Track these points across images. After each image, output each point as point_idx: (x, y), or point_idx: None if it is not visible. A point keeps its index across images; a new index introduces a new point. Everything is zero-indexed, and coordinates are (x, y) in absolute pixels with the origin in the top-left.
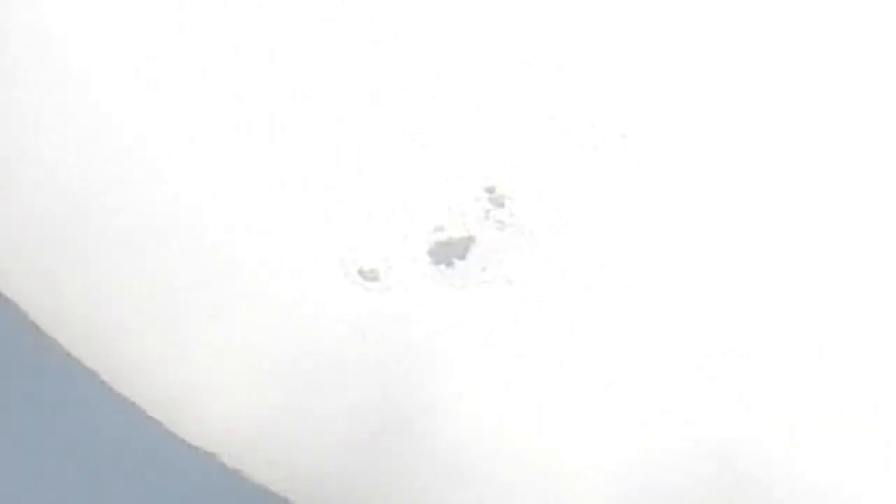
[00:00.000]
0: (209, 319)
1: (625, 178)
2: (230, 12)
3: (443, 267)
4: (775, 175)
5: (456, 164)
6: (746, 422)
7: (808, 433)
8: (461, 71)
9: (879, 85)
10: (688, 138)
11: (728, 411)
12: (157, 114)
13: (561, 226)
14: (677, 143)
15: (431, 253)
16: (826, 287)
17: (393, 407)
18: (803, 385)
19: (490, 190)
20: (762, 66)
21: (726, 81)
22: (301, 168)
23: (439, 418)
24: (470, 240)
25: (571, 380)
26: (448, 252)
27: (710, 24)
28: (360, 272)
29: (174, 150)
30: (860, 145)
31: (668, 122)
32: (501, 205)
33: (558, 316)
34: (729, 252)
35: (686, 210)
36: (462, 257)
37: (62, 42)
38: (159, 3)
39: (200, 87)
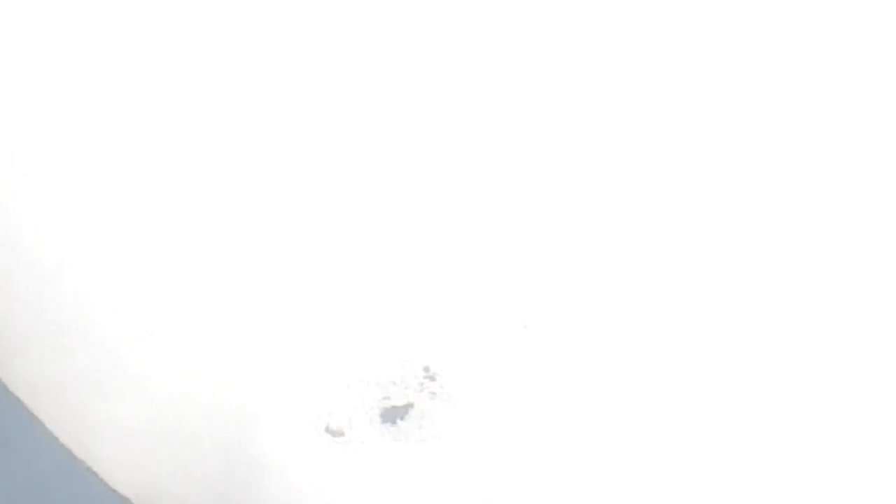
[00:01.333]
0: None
1: (526, 360)
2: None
3: (389, 425)
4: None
5: (401, 351)
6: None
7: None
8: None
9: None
10: (587, 328)
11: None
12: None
13: (479, 395)
14: (578, 333)
15: (382, 415)
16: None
17: None
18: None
19: (426, 369)
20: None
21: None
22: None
23: None
24: (409, 405)
25: None
26: (393, 414)
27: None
28: (328, 429)
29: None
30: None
31: (569, 313)
32: (434, 379)
33: (477, 467)
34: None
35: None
36: (403, 418)
37: None
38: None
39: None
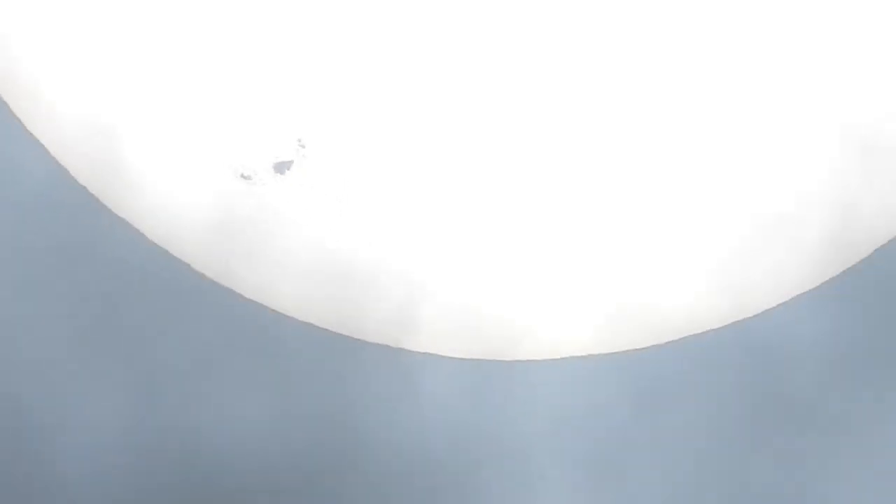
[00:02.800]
0: None
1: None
2: None
3: (278, 175)
4: None
5: (280, 125)
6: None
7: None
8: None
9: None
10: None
11: None
12: None
13: (345, 160)
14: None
15: (275, 167)
16: None
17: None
18: None
19: (299, 140)
20: None
21: None
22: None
23: None
24: (290, 161)
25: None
26: (282, 167)
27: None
28: (241, 175)
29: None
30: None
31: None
32: (304, 147)
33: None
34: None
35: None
36: (289, 170)
37: None
38: None
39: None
